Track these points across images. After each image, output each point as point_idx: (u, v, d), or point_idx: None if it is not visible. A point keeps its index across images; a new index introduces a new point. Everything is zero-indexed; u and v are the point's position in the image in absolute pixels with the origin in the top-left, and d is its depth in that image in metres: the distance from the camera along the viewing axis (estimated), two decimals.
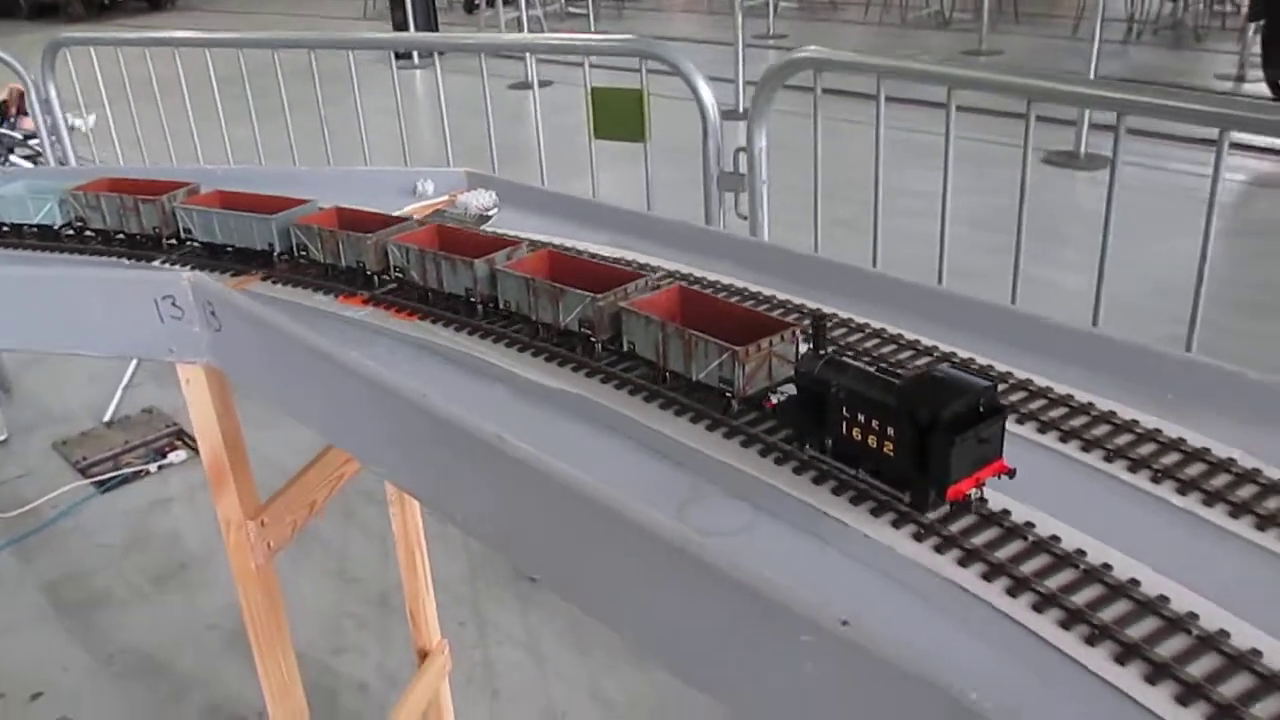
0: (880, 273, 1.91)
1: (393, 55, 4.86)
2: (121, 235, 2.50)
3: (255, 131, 5.00)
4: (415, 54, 11.44)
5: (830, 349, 1.41)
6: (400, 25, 12.93)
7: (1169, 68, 11.44)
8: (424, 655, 3.08)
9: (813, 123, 3.28)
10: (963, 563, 1.20)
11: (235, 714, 3.62)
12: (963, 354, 1.67)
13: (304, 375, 1.73)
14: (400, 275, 2.03)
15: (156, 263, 2.38)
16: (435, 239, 2.06)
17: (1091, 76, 7.51)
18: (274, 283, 2.21)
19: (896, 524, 1.26)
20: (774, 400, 1.51)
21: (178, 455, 5.17)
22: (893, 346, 1.74)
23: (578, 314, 1.74)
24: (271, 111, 4.98)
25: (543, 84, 9.87)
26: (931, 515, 1.26)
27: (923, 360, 1.67)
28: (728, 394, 1.52)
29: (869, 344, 1.73)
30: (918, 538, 1.24)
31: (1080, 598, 1.12)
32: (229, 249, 2.32)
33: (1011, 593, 1.14)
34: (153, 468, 5.11)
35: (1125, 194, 2.96)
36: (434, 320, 1.96)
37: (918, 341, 1.73)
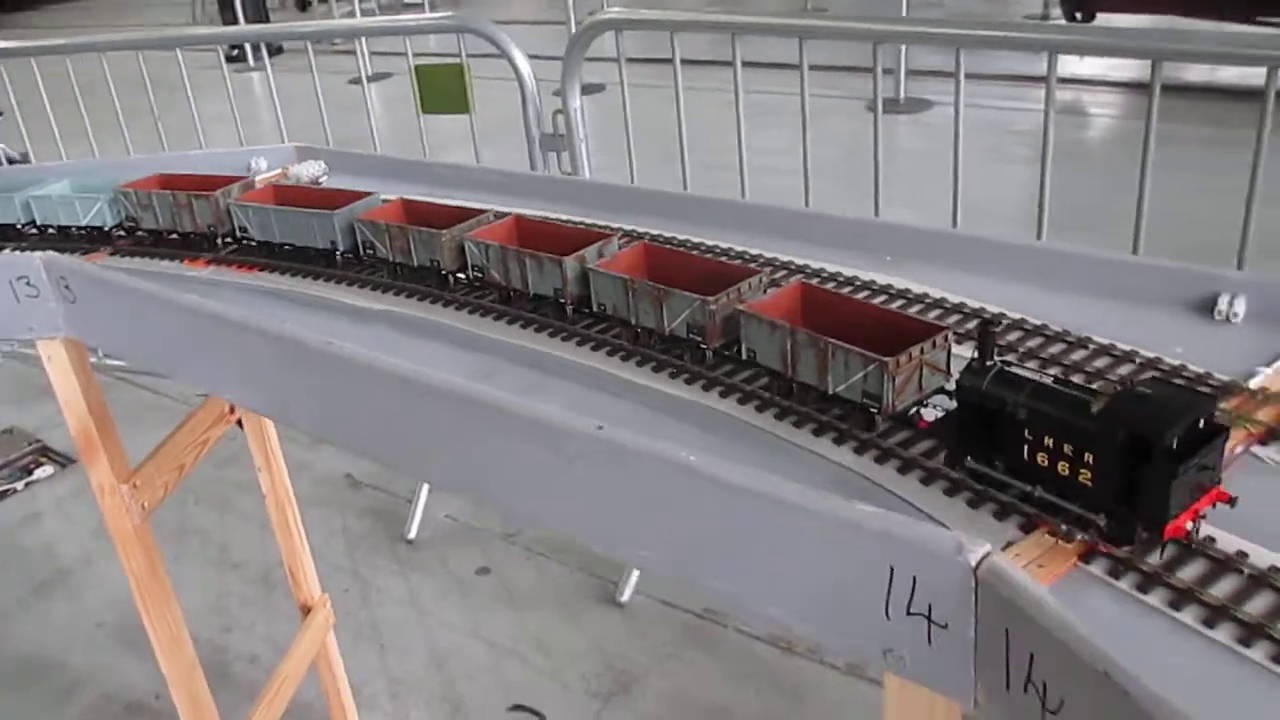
0: (731, 199, 2.14)
1: (223, 58, 4.93)
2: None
3: (93, 145, 5.04)
4: (250, 55, 11.32)
5: (1000, 359, 1.22)
6: (230, 26, 12.76)
7: (981, 12, 12.16)
8: (307, 610, 3.26)
9: (655, 91, 3.49)
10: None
11: (132, 700, 3.73)
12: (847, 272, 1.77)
13: (157, 327, 1.91)
14: (480, 274, 1.89)
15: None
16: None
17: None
18: (117, 255, 2.36)
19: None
20: (927, 418, 1.36)
21: (44, 471, 5.17)
22: (784, 272, 1.78)
23: (685, 318, 1.57)
24: (107, 124, 5.03)
25: (382, 76, 10.01)
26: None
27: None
28: (873, 410, 1.35)
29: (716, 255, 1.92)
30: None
31: None
32: (287, 247, 2.19)
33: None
34: (19, 485, 5.10)
35: (946, 131, 3.25)
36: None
37: (791, 261, 1.83)
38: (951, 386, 1.28)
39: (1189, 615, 1.03)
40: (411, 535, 4.39)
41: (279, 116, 4.75)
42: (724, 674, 3.53)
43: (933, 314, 1.62)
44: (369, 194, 2.17)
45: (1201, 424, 1.06)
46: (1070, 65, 8.76)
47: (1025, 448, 1.15)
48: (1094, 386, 1.12)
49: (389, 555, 4.33)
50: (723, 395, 1.51)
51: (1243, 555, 1.08)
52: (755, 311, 1.48)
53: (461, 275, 1.93)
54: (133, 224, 2.42)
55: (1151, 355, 1.42)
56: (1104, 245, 1.74)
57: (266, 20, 13.57)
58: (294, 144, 2.77)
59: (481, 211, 1.99)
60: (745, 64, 3.20)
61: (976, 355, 1.22)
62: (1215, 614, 1.02)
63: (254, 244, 2.25)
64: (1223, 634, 1.00)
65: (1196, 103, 7.45)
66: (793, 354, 1.42)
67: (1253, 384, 1.31)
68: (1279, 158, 2.54)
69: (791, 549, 1.12)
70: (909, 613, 1.05)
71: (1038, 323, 1.55)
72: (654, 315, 1.60)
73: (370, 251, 2.05)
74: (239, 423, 2.88)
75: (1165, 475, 1.03)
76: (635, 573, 3.90)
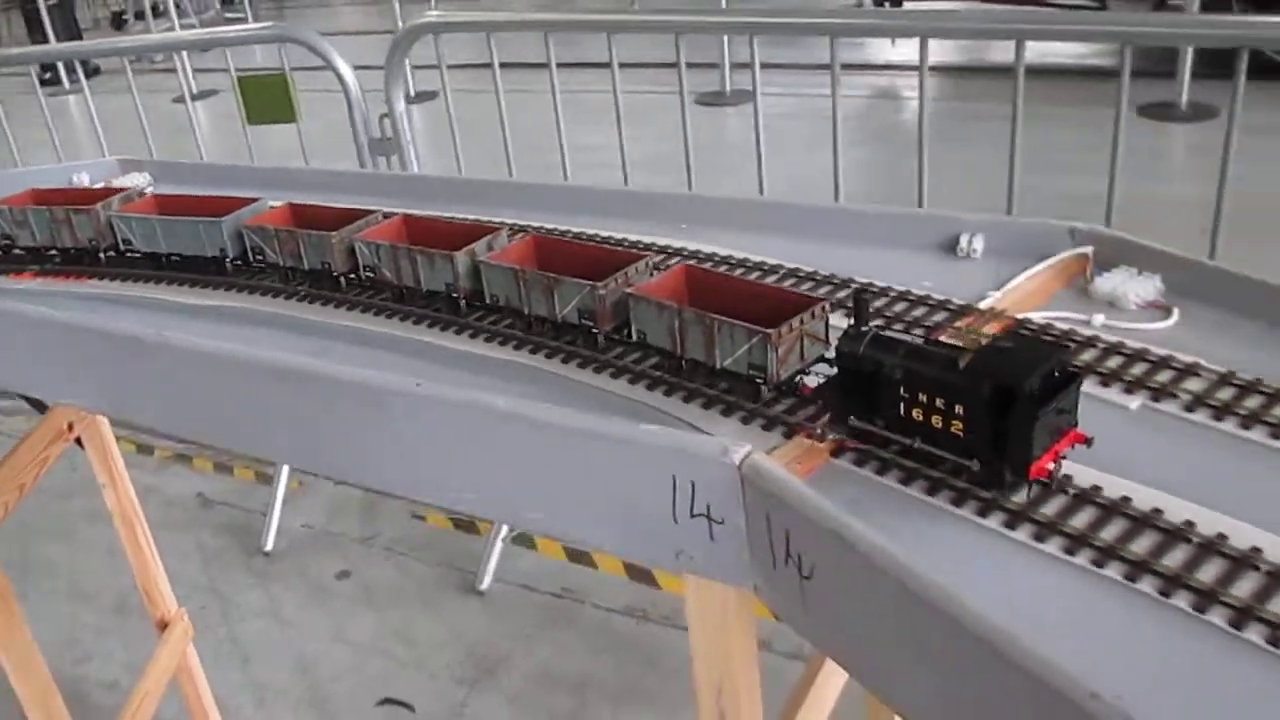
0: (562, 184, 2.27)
1: (36, 80, 4.82)
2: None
3: None
4: (65, 77, 10.90)
5: (874, 323, 1.28)
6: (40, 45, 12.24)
7: (795, 4, 12.68)
8: (164, 626, 3.25)
9: (493, 96, 3.60)
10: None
11: None
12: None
13: None
14: (371, 274, 1.91)
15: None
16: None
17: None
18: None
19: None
20: (810, 384, 1.41)
21: None
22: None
23: (576, 304, 1.61)
24: None
25: (208, 94, 9.80)
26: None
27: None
28: (758, 380, 1.41)
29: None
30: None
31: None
32: (174, 258, 2.16)
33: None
34: None
35: (773, 121, 3.45)
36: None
37: (625, 239, 1.95)
38: (831, 354, 1.34)
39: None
40: (268, 547, 4.39)
41: (100, 138, 4.68)
42: (584, 647, 3.67)
43: (788, 282, 1.74)
44: (255, 199, 2.16)
45: (1057, 373, 1.15)
46: (885, 52, 9.28)
47: (902, 405, 1.22)
48: (959, 344, 1.20)
49: (246, 569, 4.33)
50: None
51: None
52: (644, 294, 1.53)
53: (354, 276, 1.94)
54: (8, 242, 2.35)
55: (903, 288, 1.63)
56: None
57: (78, 38, 13.06)
58: (116, 157, 2.78)
59: (369, 212, 2.00)
60: (582, 65, 3.35)
61: (852, 322, 1.29)
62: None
63: (139, 256, 2.20)
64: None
65: (998, 82, 7.97)
66: (681, 332, 1.47)
67: (983, 305, 1.53)
68: (1052, 125, 2.84)
69: (590, 472, 1.27)
70: (692, 515, 1.21)
71: (810, 269, 1.75)
72: (546, 303, 1.65)
73: (260, 257, 2.05)
74: (78, 441, 2.87)
75: (1028, 420, 1.12)
76: (494, 561, 4.01)
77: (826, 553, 1.07)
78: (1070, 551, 1.12)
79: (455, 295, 1.79)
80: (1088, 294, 1.56)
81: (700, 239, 1.95)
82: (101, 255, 2.25)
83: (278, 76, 3.62)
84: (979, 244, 1.70)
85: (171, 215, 2.15)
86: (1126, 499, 1.16)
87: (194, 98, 4.55)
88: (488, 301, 1.76)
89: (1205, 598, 1.03)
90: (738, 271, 1.80)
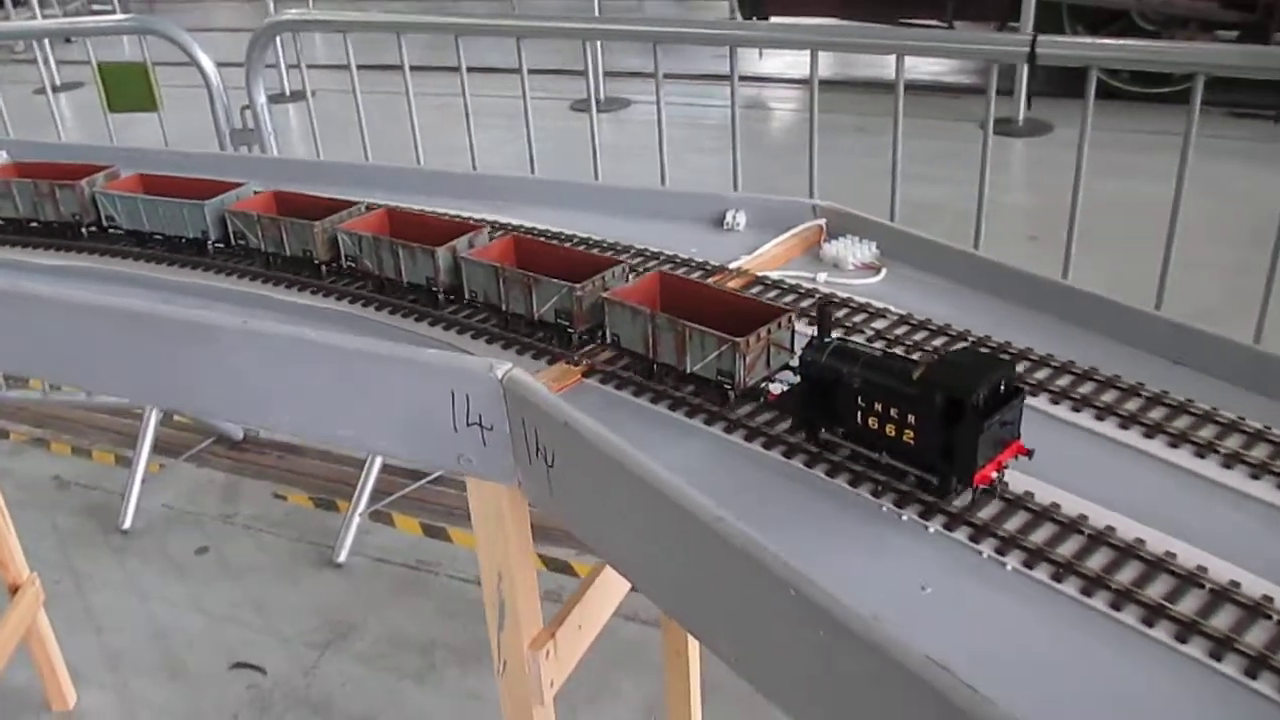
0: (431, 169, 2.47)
1: None
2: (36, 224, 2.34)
3: None
4: None
5: (837, 334, 1.36)
6: None
7: (680, 18, 13.16)
8: (14, 590, 3.35)
9: (373, 96, 3.76)
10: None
11: None
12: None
13: None
14: (352, 264, 1.96)
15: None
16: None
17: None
18: None
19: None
20: (775, 391, 1.48)
21: None
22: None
23: (554, 304, 1.67)
24: None
25: (73, 86, 9.69)
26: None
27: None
28: (726, 386, 1.48)
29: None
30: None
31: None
32: (157, 236, 2.19)
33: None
34: None
35: (644, 127, 3.71)
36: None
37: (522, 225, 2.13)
38: (795, 362, 1.42)
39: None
40: (126, 526, 4.48)
41: None
42: (435, 612, 3.89)
43: (583, 248, 1.93)
44: (241, 184, 2.21)
45: (1002, 386, 1.21)
46: (753, 65, 9.73)
47: (859, 414, 1.29)
48: (913, 357, 1.30)
49: (104, 547, 4.41)
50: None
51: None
52: (619, 298, 1.59)
53: (335, 264, 1.99)
54: None
55: (673, 253, 1.92)
56: None
57: None
58: None
59: (353, 203, 2.07)
60: (458, 69, 3.55)
61: (817, 332, 1.36)
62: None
63: (121, 233, 2.25)
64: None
65: (854, 95, 8.49)
66: (654, 337, 1.54)
67: (732, 266, 1.84)
68: (906, 137, 3.17)
69: (388, 392, 1.52)
70: (468, 424, 1.47)
71: (599, 237, 2.03)
72: (523, 301, 1.70)
73: (242, 242, 2.09)
74: None
75: (973, 430, 1.18)
76: (351, 535, 4.19)
77: (562, 442, 1.34)
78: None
79: (435, 289, 1.84)
80: (819, 257, 1.88)
81: (520, 215, 2.21)
82: (84, 230, 2.30)
83: (138, 65, 3.76)
84: (741, 219, 2.01)
85: (156, 195, 2.20)
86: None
87: (56, 89, 4.60)
88: (467, 297, 1.82)
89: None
90: (554, 240, 2.07)
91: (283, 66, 9.24)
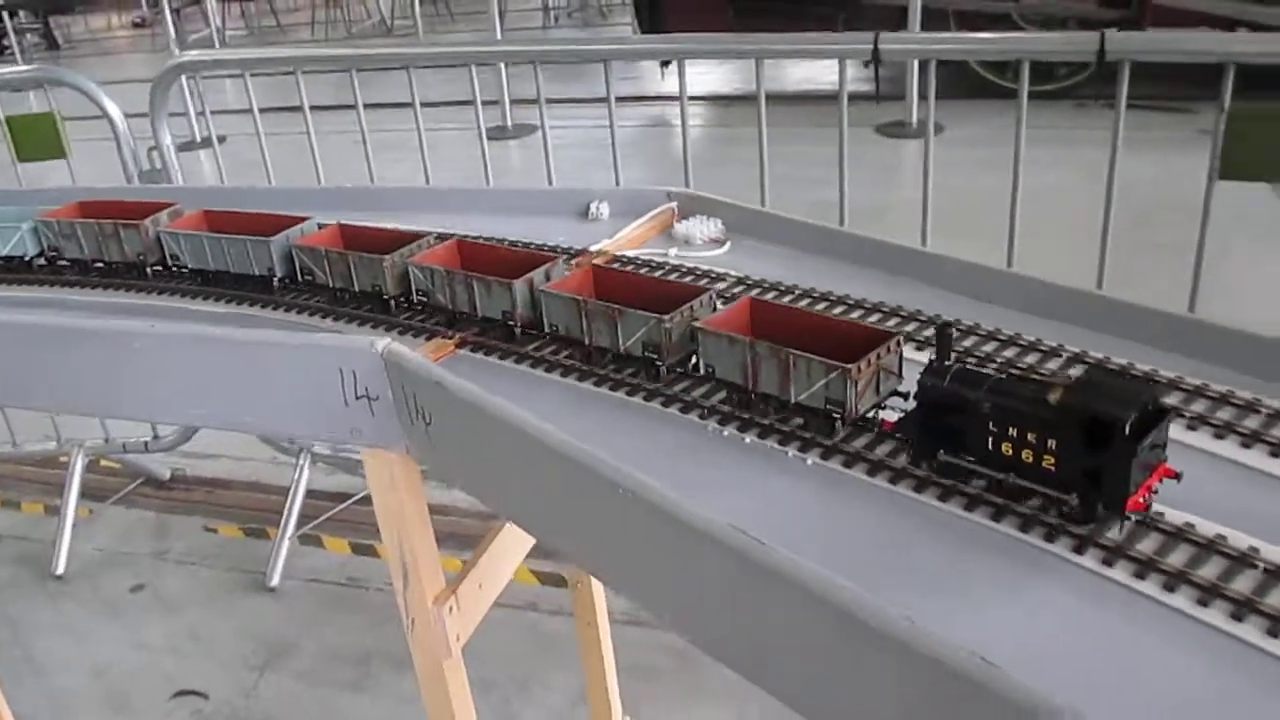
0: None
1: None
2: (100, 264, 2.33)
3: None
4: None
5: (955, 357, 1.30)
6: None
7: (588, 39, 13.49)
8: None
9: (289, 137, 3.88)
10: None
11: None
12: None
13: None
14: (424, 299, 1.91)
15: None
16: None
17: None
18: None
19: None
20: (890, 419, 1.43)
21: None
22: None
23: (641, 337, 1.61)
24: None
25: None
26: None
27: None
28: (835, 415, 1.41)
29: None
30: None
31: None
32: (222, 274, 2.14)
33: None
34: None
35: (553, 151, 3.84)
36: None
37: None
38: (903, 388, 1.39)
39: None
40: (60, 571, 4.53)
41: None
42: (368, 624, 4.02)
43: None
44: (305, 218, 2.16)
45: (1150, 407, 1.17)
46: (657, 85, 10.02)
47: (990, 439, 1.23)
48: (1048, 380, 1.25)
49: (39, 593, 4.46)
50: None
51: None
52: (713, 328, 1.54)
53: (404, 300, 1.95)
54: (55, 253, 2.38)
55: (543, 241, 2.13)
56: None
57: None
58: None
59: (422, 235, 2.01)
60: (370, 105, 3.71)
61: (935, 356, 1.31)
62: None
63: (185, 271, 2.22)
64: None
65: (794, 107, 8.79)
66: (753, 366, 1.47)
67: (592, 248, 2.05)
68: (806, 143, 3.41)
69: (283, 376, 1.69)
70: (357, 397, 1.64)
71: (475, 235, 2.25)
72: (608, 334, 1.64)
73: (309, 278, 2.04)
74: None
75: (1126, 455, 1.13)
76: (282, 559, 4.31)
77: (436, 400, 1.52)
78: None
79: (512, 323, 1.79)
80: (672, 236, 2.09)
81: (411, 221, 2.40)
82: (148, 270, 2.28)
83: (46, 115, 3.88)
84: (605, 209, 2.22)
85: (220, 233, 2.17)
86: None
87: None
88: (546, 330, 1.76)
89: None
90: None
91: (191, 114, 9.32)
